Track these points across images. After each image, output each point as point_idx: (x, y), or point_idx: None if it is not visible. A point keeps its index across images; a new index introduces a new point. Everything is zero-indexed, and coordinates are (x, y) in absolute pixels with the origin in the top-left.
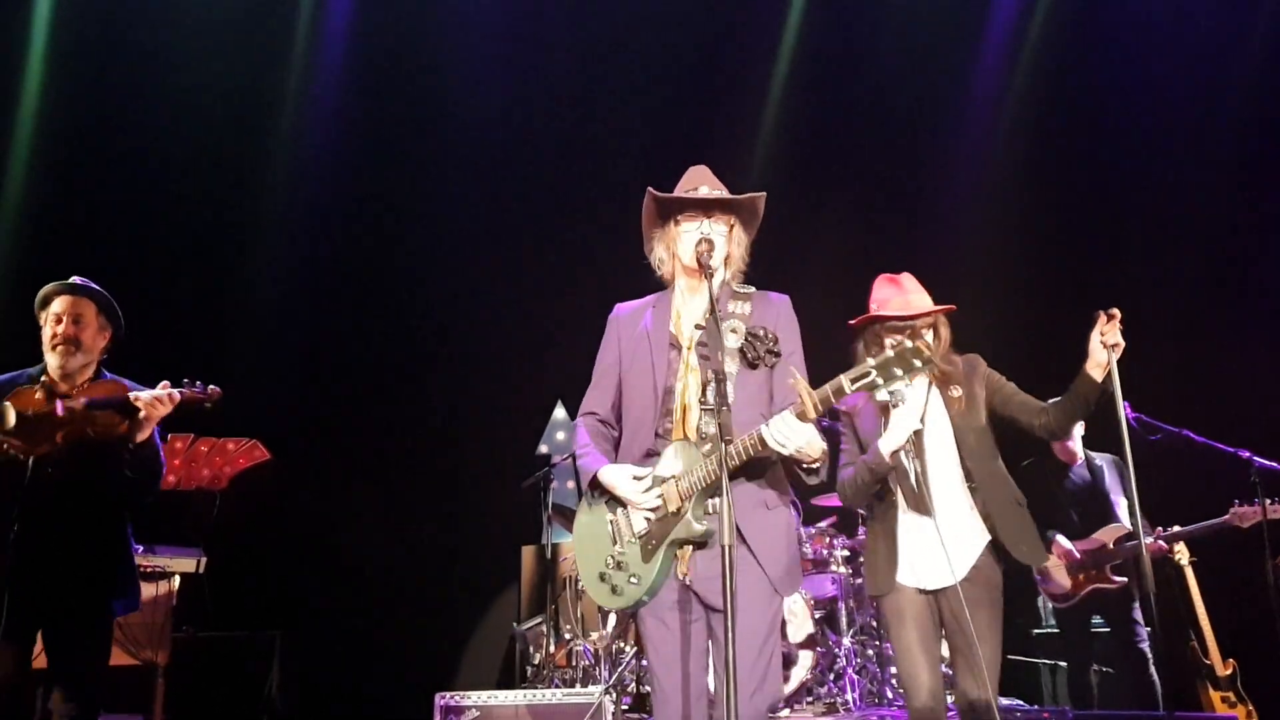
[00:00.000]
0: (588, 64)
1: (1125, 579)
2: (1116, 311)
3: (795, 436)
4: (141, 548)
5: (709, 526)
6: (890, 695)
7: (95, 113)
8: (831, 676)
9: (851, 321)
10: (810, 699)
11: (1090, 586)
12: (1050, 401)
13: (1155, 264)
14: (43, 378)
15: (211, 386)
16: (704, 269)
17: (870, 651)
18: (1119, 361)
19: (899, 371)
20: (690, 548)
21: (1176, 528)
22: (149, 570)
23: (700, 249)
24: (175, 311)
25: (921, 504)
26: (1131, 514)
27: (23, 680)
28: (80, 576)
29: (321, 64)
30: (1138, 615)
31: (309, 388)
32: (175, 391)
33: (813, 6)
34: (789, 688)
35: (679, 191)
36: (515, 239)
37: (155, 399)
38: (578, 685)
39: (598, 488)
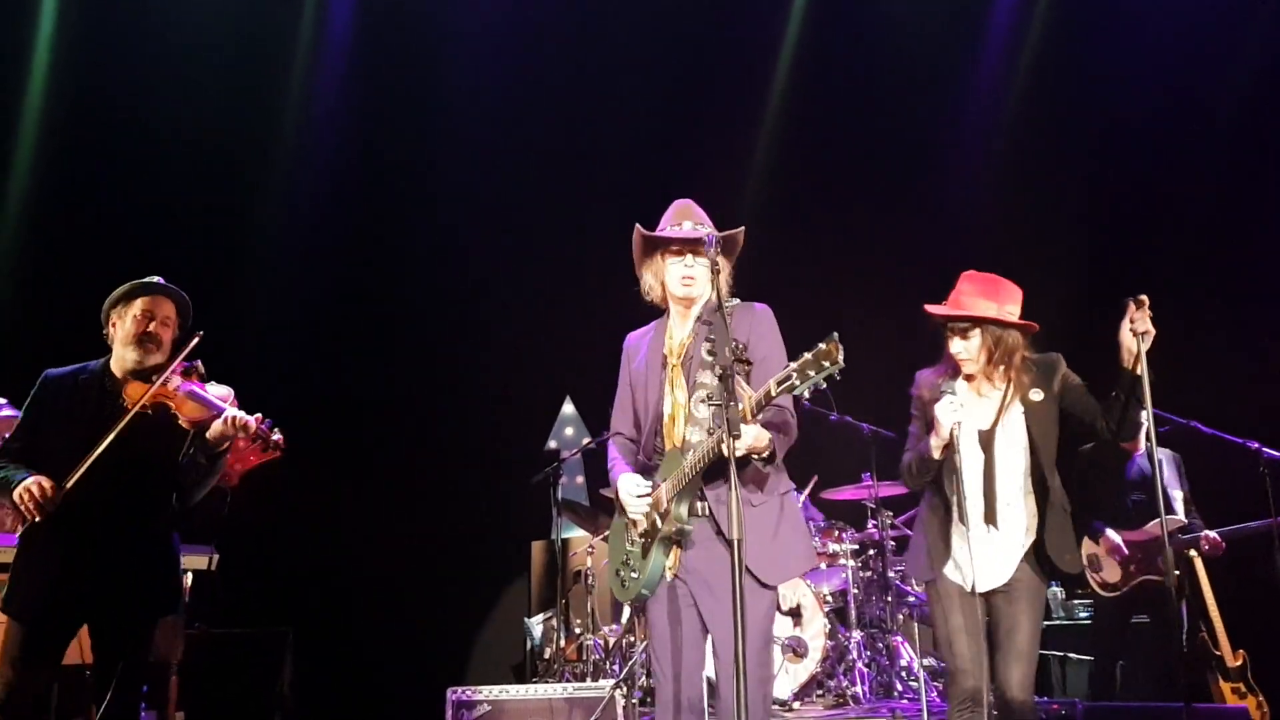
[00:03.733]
0: (593, 67)
1: (1178, 572)
2: (1145, 298)
3: (745, 436)
4: None
5: (684, 526)
6: (900, 688)
7: (99, 115)
8: (841, 669)
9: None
10: (820, 692)
11: (1140, 578)
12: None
13: (1164, 254)
14: (106, 374)
15: (278, 436)
16: (687, 300)
17: (880, 645)
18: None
19: (812, 373)
20: (679, 544)
21: (1221, 528)
22: None
23: (688, 280)
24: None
25: (964, 512)
26: (1155, 503)
27: (54, 677)
28: (130, 574)
29: (324, 65)
30: (1184, 611)
31: (319, 385)
32: (252, 421)
33: (813, 12)
34: (799, 680)
35: (665, 225)
36: (524, 236)
37: (239, 419)
38: (588, 679)
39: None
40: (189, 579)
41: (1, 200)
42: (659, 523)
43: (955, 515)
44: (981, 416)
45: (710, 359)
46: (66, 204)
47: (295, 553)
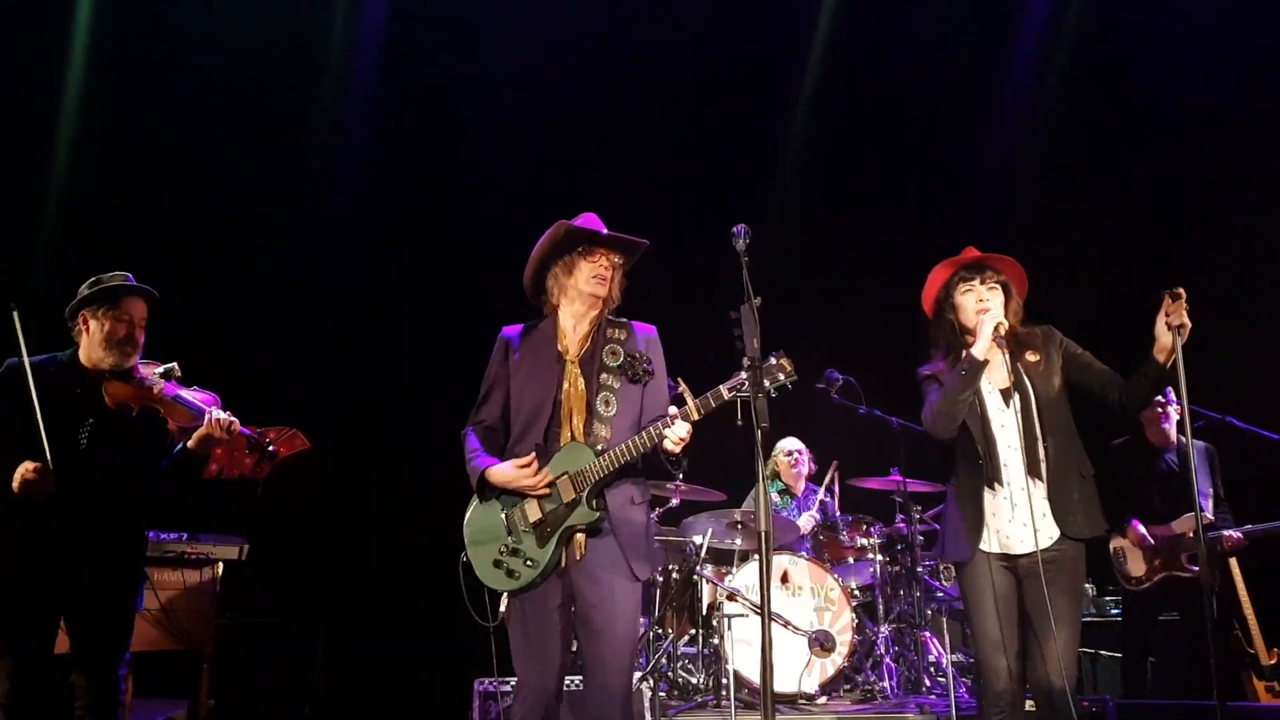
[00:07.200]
0: (624, 70)
1: (1196, 569)
2: (1181, 291)
3: (686, 435)
4: (185, 535)
5: (601, 514)
6: (928, 683)
7: (134, 115)
8: (869, 664)
9: (927, 291)
10: (848, 687)
11: (1164, 573)
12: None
13: (1202, 248)
14: (77, 365)
15: (272, 445)
16: (600, 298)
17: (908, 639)
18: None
19: (767, 382)
20: (583, 535)
21: (1248, 526)
22: (193, 556)
23: (601, 280)
24: (216, 301)
25: (996, 469)
26: (1186, 497)
27: (49, 667)
28: (106, 561)
29: (355, 69)
30: (1215, 606)
31: (349, 376)
32: (236, 422)
33: (840, 22)
34: (826, 675)
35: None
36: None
37: (222, 420)
38: None
39: (488, 487)
40: (220, 569)
41: (42, 191)
42: (564, 513)
43: (989, 478)
44: (1000, 377)
45: (617, 364)
46: (102, 196)
47: (326, 543)
